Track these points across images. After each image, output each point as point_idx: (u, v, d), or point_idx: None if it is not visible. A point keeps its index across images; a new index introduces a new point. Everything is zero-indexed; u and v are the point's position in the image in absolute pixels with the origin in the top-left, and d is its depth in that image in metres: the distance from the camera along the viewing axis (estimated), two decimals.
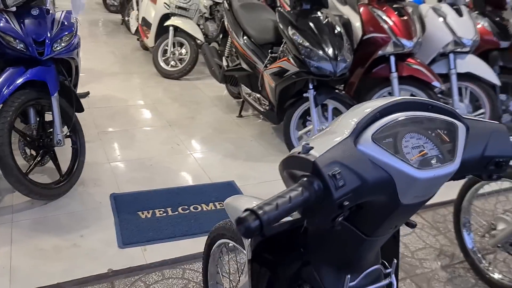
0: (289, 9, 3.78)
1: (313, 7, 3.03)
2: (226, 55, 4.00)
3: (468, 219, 2.26)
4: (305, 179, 0.69)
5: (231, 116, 3.93)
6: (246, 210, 0.64)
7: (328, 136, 0.77)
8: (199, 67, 4.97)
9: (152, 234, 2.27)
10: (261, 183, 2.84)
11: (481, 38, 3.53)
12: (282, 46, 3.20)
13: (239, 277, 1.54)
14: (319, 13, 3.00)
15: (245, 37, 3.54)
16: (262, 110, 3.37)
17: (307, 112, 3.13)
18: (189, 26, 4.78)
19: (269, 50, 3.38)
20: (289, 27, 2.93)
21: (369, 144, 0.74)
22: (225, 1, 3.85)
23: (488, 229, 2.13)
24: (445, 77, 3.36)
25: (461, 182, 2.25)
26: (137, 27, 5.59)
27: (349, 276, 0.90)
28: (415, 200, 0.79)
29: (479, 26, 3.58)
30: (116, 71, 4.94)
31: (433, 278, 2.20)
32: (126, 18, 6.76)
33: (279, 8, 3.16)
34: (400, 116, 0.78)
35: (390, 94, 3.27)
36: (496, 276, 2.15)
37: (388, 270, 0.96)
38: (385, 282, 0.96)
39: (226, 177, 2.89)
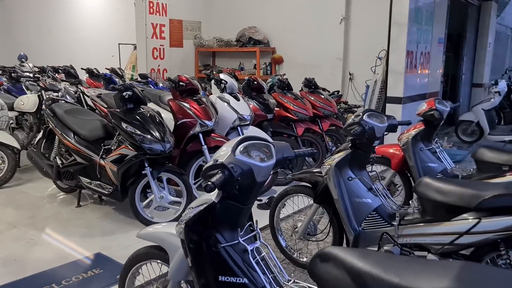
0: (105, 110, 4.59)
1: (135, 105, 3.89)
2: (54, 155, 4.44)
3: (279, 228, 3.35)
4: (220, 171, 1.57)
5: (70, 208, 4.33)
6: (207, 181, 1.48)
7: (221, 155, 1.67)
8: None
9: None
10: (123, 248, 3.40)
11: (255, 114, 4.98)
12: (115, 137, 3.93)
13: None
14: (141, 109, 3.88)
15: (76, 137, 4.13)
16: (106, 192, 3.95)
17: (146, 186, 3.88)
18: (2, 137, 4.99)
19: (102, 144, 4.06)
20: (122, 122, 3.72)
21: (239, 155, 1.67)
22: (47, 110, 4.38)
23: (293, 229, 3.26)
24: None
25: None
26: None
27: (239, 228, 1.78)
28: (262, 179, 1.74)
29: (251, 105, 5.03)
30: None
31: None
32: None
33: (111, 110, 3.91)
34: (249, 143, 1.74)
35: (205, 162, 4.31)
36: (305, 260, 3.25)
37: (255, 226, 1.87)
38: (255, 232, 1.86)
39: (92, 251, 3.36)
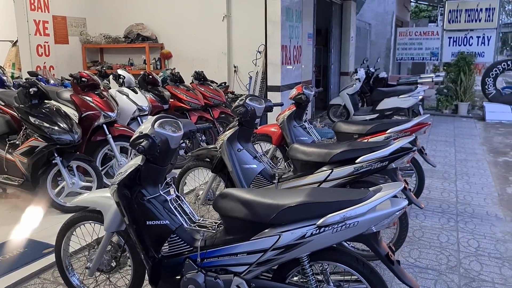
0: (2, 107, 4.76)
1: (39, 100, 4.17)
2: None
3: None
4: (145, 139, 2.17)
5: None
6: (138, 146, 2.07)
7: (144, 128, 2.25)
8: None
9: None
10: (43, 230, 3.75)
11: (152, 105, 5.49)
12: (22, 131, 4.18)
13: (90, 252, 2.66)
14: (46, 103, 4.18)
15: None
16: (16, 184, 4.19)
17: (56, 174, 4.20)
18: None
19: (6, 139, 4.27)
20: (30, 116, 4.00)
21: (157, 128, 2.28)
22: None
23: (195, 198, 3.90)
24: None
25: None
26: None
27: (159, 184, 2.38)
28: (174, 146, 2.37)
29: (148, 97, 5.53)
30: None
31: None
32: None
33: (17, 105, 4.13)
34: (163, 120, 2.34)
35: (110, 150, 4.73)
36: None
37: (171, 183, 2.49)
38: (170, 187, 2.48)
39: (12, 237, 3.64)
